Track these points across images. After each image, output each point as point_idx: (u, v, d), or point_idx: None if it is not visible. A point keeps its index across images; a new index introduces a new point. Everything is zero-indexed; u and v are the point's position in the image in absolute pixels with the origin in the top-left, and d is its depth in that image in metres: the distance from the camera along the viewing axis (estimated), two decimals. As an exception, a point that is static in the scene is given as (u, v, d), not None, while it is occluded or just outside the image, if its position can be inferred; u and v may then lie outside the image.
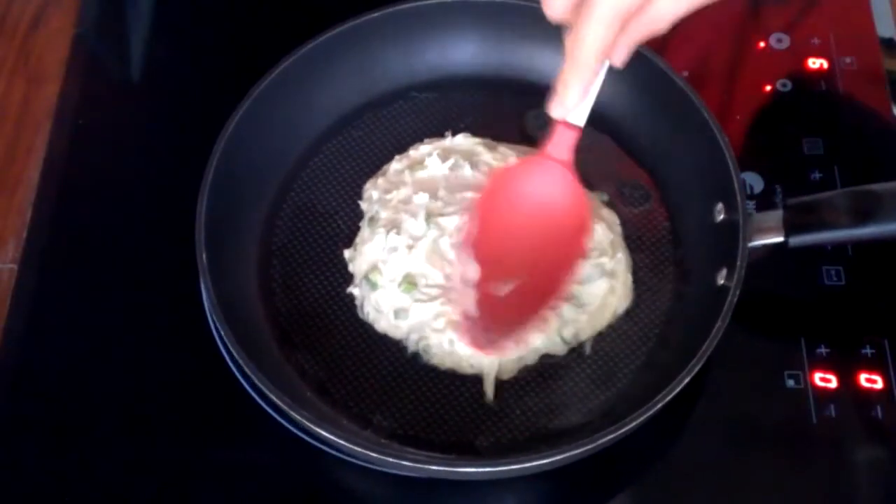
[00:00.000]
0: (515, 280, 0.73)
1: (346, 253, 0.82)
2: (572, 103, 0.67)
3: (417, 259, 0.78)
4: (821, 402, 0.76)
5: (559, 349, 0.77)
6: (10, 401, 0.79)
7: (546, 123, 0.86)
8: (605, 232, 0.80)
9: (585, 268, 0.78)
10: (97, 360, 0.80)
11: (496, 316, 0.73)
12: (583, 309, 0.77)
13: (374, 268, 0.79)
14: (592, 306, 0.78)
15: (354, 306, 0.80)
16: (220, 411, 0.78)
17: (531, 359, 0.77)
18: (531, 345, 0.76)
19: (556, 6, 0.66)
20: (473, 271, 0.72)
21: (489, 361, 0.76)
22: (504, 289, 0.73)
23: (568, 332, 0.77)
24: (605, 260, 0.79)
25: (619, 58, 0.67)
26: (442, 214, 0.79)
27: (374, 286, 0.78)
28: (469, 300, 0.72)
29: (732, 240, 0.74)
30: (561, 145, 0.70)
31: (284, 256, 0.82)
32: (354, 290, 0.80)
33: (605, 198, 0.84)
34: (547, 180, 0.72)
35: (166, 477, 0.76)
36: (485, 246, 0.73)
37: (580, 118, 0.69)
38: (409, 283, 0.77)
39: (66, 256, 0.86)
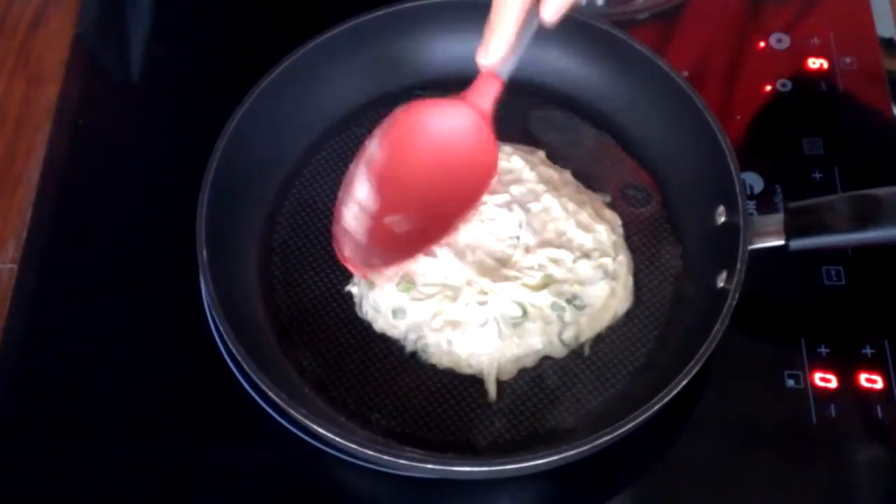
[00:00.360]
0: (412, 220, 0.73)
1: (347, 252, 0.82)
2: (495, 53, 0.68)
3: (415, 259, 0.78)
4: (821, 402, 0.76)
5: (559, 352, 0.77)
6: (10, 401, 0.79)
7: (549, 124, 0.86)
8: (607, 233, 0.80)
9: (587, 269, 0.78)
10: (97, 360, 0.81)
11: (383, 245, 0.73)
12: (584, 311, 0.77)
13: None
14: (593, 308, 0.78)
15: (354, 304, 0.80)
16: (220, 411, 0.78)
17: (531, 360, 0.77)
18: (532, 347, 0.76)
19: None
20: (372, 201, 0.72)
21: (488, 361, 0.76)
22: (399, 225, 0.73)
23: (568, 335, 0.77)
24: (607, 261, 0.79)
25: (549, 14, 0.68)
26: None
27: (371, 285, 0.78)
28: (360, 224, 0.72)
29: (733, 243, 0.74)
30: (483, 95, 0.71)
31: (285, 254, 0.83)
32: (353, 288, 0.80)
33: (608, 199, 0.84)
34: (463, 126, 0.72)
35: (166, 477, 0.76)
36: (388, 178, 0.73)
37: (504, 70, 0.70)
38: (408, 282, 0.77)
39: (66, 256, 0.86)
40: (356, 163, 0.75)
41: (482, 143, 0.72)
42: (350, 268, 0.75)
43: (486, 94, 0.71)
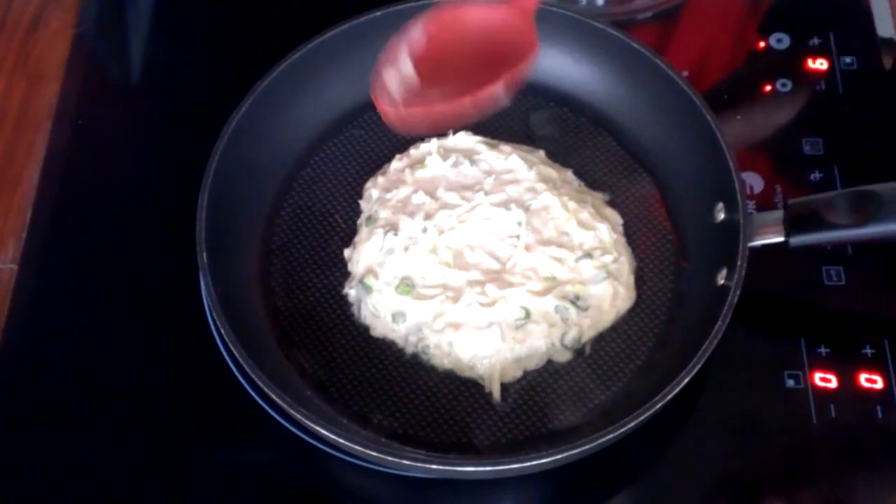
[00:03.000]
0: (447, 96, 0.72)
1: (346, 252, 0.82)
2: None
3: (415, 260, 0.78)
4: (821, 402, 0.76)
5: (562, 356, 0.77)
6: (10, 400, 0.79)
7: (549, 124, 0.86)
8: (608, 232, 0.80)
9: (589, 269, 0.78)
10: (97, 360, 0.80)
11: (417, 111, 0.72)
12: (587, 313, 0.78)
13: (370, 271, 0.79)
14: (596, 309, 0.78)
15: (352, 307, 0.80)
16: (220, 411, 0.78)
17: (533, 363, 0.77)
18: (535, 349, 0.76)
19: None
20: (414, 81, 0.72)
21: (490, 363, 0.76)
22: (436, 101, 0.72)
23: (570, 337, 0.77)
24: (608, 259, 0.79)
25: None
26: (440, 215, 0.79)
27: (368, 290, 0.78)
28: (396, 87, 0.72)
29: (733, 240, 0.74)
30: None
31: (284, 255, 0.83)
32: (350, 291, 0.80)
33: (608, 197, 0.84)
34: (505, 24, 0.72)
35: (166, 477, 0.76)
36: (429, 63, 0.72)
37: None
38: (406, 285, 0.77)
39: (66, 256, 0.86)
40: (398, 38, 0.74)
41: (524, 41, 0.72)
42: (387, 122, 0.73)
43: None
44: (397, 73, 0.72)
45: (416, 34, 0.72)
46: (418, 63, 0.72)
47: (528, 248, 0.78)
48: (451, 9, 0.73)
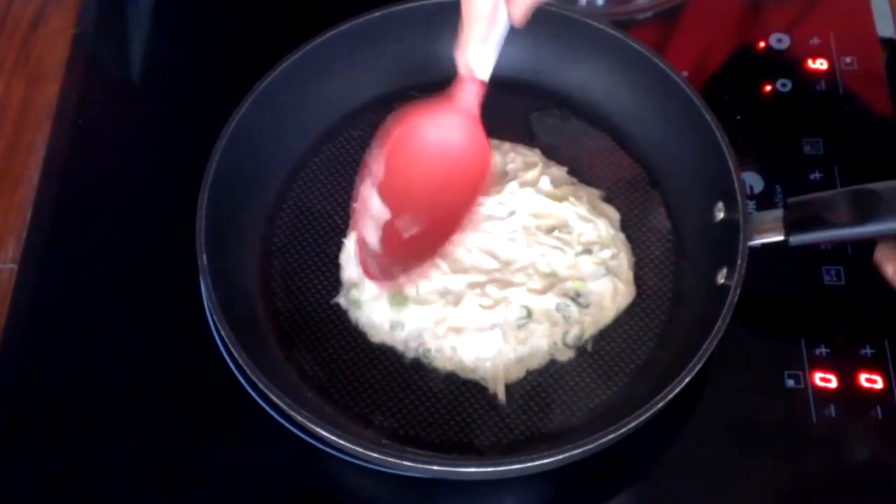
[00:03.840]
0: (420, 222, 0.75)
1: (341, 257, 0.81)
2: (472, 55, 0.70)
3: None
4: (821, 402, 0.76)
5: (564, 355, 0.77)
6: (10, 401, 0.79)
7: (548, 124, 0.86)
8: (606, 228, 0.80)
9: (589, 266, 0.78)
10: (97, 360, 0.80)
11: (397, 252, 0.75)
12: (588, 310, 0.78)
13: (353, 285, 0.79)
14: (597, 306, 0.78)
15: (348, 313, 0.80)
16: (220, 411, 0.78)
17: (536, 363, 0.77)
18: (538, 348, 0.77)
19: None
20: (383, 212, 0.74)
21: (492, 365, 0.76)
22: (409, 230, 0.75)
23: (572, 336, 0.77)
24: (607, 255, 0.79)
25: (517, 15, 0.70)
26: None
27: (356, 304, 0.78)
28: (374, 236, 0.75)
29: (733, 239, 0.75)
30: (468, 98, 0.73)
31: (284, 257, 0.82)
32: (340, 300, 0.80)
33: (603, 194, 0.84)
34: (454, 132, 0.74)
35: (166, 477, 0.76)
36: (393, 189, 0.74)
37: (484, 72, 0.71)
38: (399, 300, 0.77)
39: (66, 256, 0.86)
40: (361, 181, 0.77)
41: (474, 143, 0.75)
42: (369, 279, 0.77)
43: (471, 98, 0.73)
44: (370, 219, 0.75)
45: (375, 166, 0.75)
46: (383, 192, 0.75)
47: (527, 245, 0.78)
48: (400, 126, 0.75)
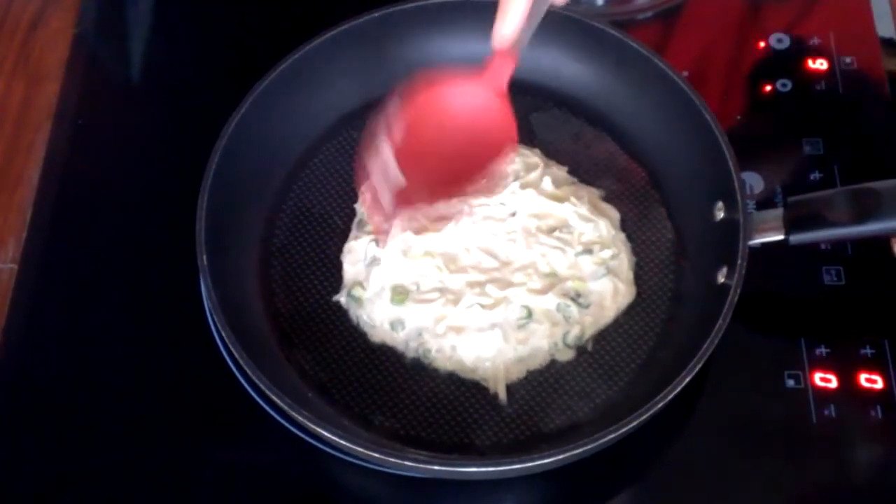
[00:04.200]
0: (434, 195, 0.75)
1: (342, 256, 0.81)
2: (509, 31, 0.70)
3: (408, 267, 0.78)
4: (821, 402, 0.76)
5: (564, 355, 0.77)
6: (10, 401, 0.79)
7: (548, 124, 0.86)
8: (607, 227, 0.80)
9: (589, 265, 0.78)
10: (97, 360, 0.80)
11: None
12: (588, 310, 0.78)
13: (357, 283, 0.79)
14: (597, 306, 0.78)
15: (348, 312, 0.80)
16: (220, 411, 0.78)
17: (537, 363, 0.77)
18: (538, 348, 0.77)
19: None
20: (399, 180, 0.74)
21: (493, 365, 0.76)
22: (423, 200, 0.75)
23: (572, 336, 0.77)
24: (608, 255, 0.79)
25: None
26: (431, 222, 0.79)
27: (359, 302, 0.78)
28: (387, 199, 0.74)
29: (733, 238, 0.75)
30: (498, 75, 0.72)
31: (284, 257, 0.82)
32: (341, 298, 0.80)
33: (603, 194, 0.84)
34: (482, 105, 0.73)
35: (166, 477, 0.76)
36: (411, 159, 0.74)
37: (517, 50, 0.71)
38: (400, 294, 0.77)
39: (66, 256, 0.86)
40: (377, 124, 0.76)
41: (500, 119, 0.74)
42: (377, 234, 0.76)
43: (501, 74, 0.72)
44: (386, 182, 0.74)
45: (396, 126, 0.74)
46: (399, 156, 0.73)
47: (527, 245, 0.78)
48: (426, 92, 0.74)
